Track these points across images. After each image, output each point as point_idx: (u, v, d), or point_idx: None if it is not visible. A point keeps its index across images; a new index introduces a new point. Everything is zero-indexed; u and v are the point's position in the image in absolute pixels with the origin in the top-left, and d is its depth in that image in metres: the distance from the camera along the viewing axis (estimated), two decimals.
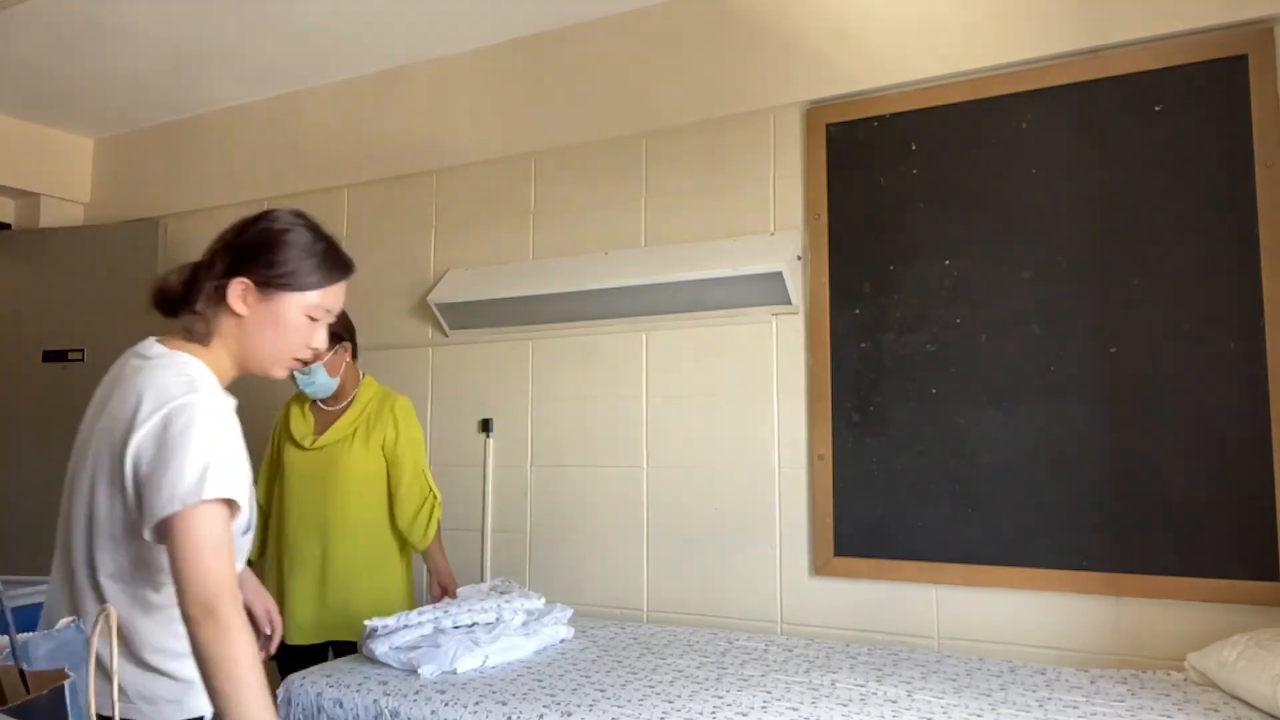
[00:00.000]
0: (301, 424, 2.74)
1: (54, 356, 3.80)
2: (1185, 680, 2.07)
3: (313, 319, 1.45)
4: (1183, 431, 2.23)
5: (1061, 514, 2.34)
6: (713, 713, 1.85)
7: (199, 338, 1.46)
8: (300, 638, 2.60)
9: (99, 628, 0.81)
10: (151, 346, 1.49)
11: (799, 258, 2.69)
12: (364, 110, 3.50)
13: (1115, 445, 2.29)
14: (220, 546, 1.25)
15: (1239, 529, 2.16)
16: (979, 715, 1.83)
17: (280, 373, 1.48)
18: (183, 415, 1.30)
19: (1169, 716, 1.82)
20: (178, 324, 1.50)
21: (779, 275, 2.61)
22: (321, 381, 2.63)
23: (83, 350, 3.78)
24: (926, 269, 2.54)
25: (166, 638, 1.37)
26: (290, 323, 1.43)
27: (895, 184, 2.60)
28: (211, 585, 1.21)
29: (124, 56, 3.35)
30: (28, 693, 0.74)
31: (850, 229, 2.65)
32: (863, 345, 2.60)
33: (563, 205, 3.10)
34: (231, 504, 1.29)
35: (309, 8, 3.00)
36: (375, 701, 2.04)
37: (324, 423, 2.72)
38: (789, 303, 2.66)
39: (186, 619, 1.20)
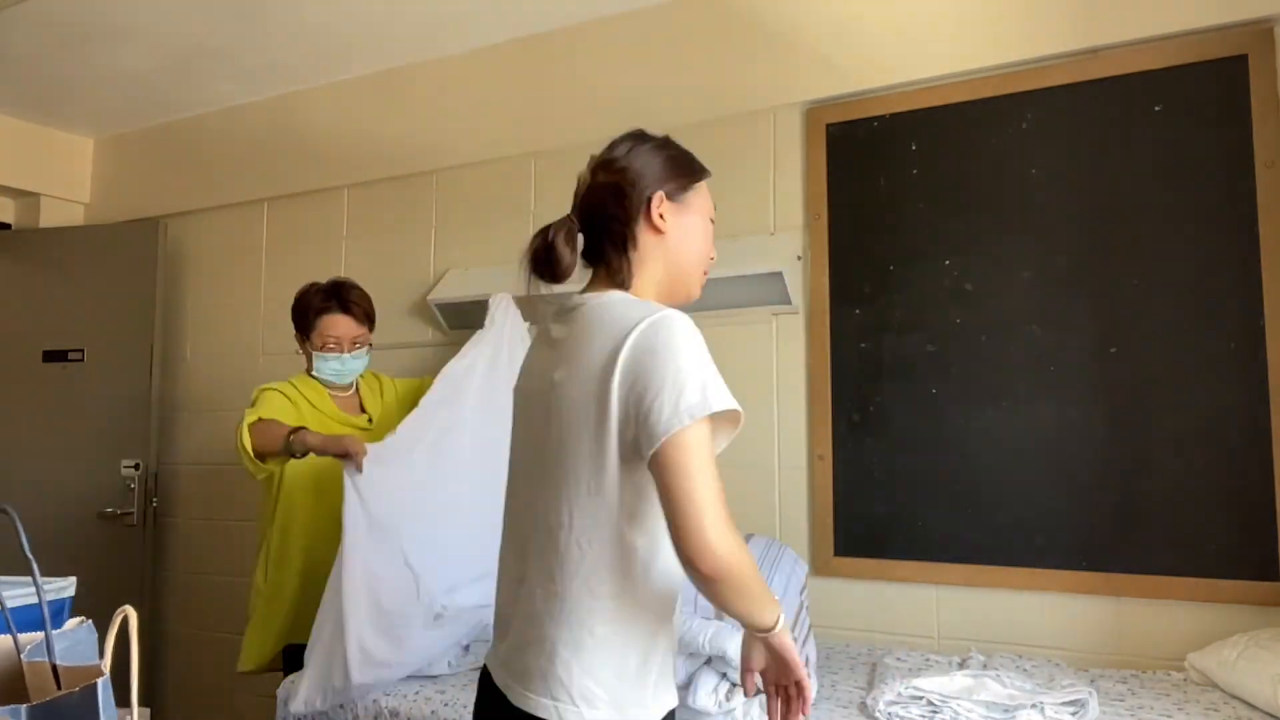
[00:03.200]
0: (333, 407, 2.64)
1: (54, 356, 3.80)
2: (1185, 680, 2.07)
3: (711, 220, 1.49)
4: (1183, 431, 2.23)
5: (1061, 514, 2.34)
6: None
7: (618, 283, 1.40)
8: None
9: (115, 629, 0.81)
10: (573, 298, 1.41)
11: (799, 258, 2.69)
12: (364, 110, 3.50)
13: (1115, 445, 2.29)
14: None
15: (1239, 529, 2.16)
16: None
17: (698, 290, 1.46)
18: (663, 329, 1.27)
19: (1169, 716, 1.82)
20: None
21: (779, 275, 2.61)
22: (357, 365, 2.65)
23: (83, 350, 3.78)
24: (926, 269, 2.54)
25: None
26: (704, 225, 1.46)
27: (895, 184, 2.60)
28: (722, 506, 1.17)
29: (124, 56, 3.35)
30: (59, 689, 0.74)
31: (850, 229, 2.65)
32: (863, 345, 2.60)
33: (563, 205, 3.07)
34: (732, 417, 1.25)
35: (309, 8, 3.00)
36: (375, 701, 2.04)
37: (350, 405, 2.71)
38: (789, 303, 2.66)
39: (701, 548, 1.14)
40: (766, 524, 2.67)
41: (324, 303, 2.62)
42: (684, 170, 1.48)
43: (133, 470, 3.67)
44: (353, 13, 3.03)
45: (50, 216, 4.08)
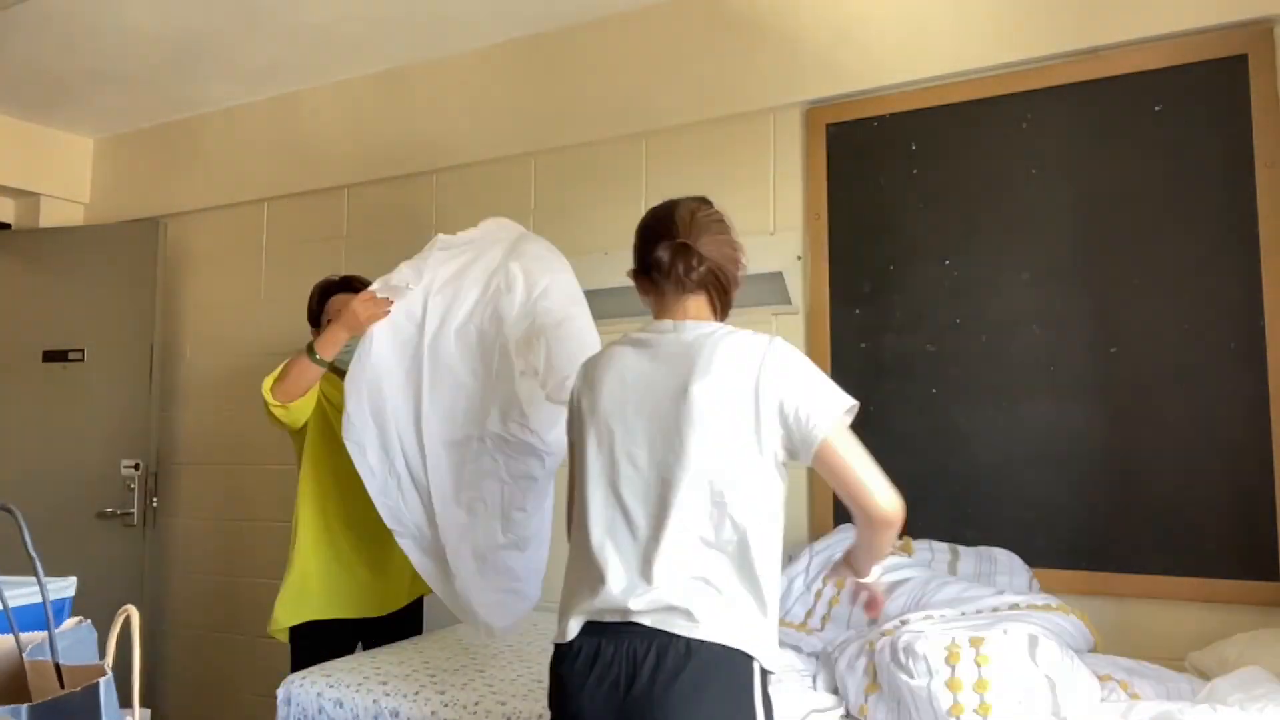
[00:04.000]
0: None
1: (54, 356, 3.80)
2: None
3: None
4: (1183, 431, 2.23)
5: (1061, 514, 2.34)
6: None
7: (718, 314, 1.73)
8: (395, 604, 2.60)
9: (118, 628, 0.81)
10: (693, 326, 1.66)
11: (799, 258, 2.69)
12: (364, 110, 3.50)
13: (1115, 445, 2.29)
14: None
15: (1239, 529, 2.16)
16: None
17: None
18: (791, 351, 1.61)
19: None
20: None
21: (779, 275, 2.61)
22: None
23: (83, 350, 3.78)
24: (926, 269, 2.54)
25: None
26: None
27: (895, 184, 2.60)
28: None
29: (124, 56, 3.35)
30: (62, 688, 0.74)
31: (850, 229, 2.65)
32: (863, 345, 2.60)
33: (563, 205, 3.10)
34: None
35: (309, 8, 3.00)
36: (375, 701, 2.04)
37: None
38: (789, 303, 2.66)
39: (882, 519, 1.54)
40: None
41: (335, 288, 2.69)
42: None
43: (133, 470, 3.67)
44: (353, 13, 3.03)
45: (50, 216, 4.08)
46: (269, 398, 2.37)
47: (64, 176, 4.11)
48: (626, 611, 1.44)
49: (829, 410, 1.53)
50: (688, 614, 1.42)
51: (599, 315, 2.96)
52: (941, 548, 2.31)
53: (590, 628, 1.49)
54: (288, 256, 3.67)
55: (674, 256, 1.63)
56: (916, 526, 2.48)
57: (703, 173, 2.86)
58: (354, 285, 2.66)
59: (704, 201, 1.74)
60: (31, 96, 3.70)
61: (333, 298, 2.66)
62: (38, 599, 0.75)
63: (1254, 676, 1.66)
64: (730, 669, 1.43)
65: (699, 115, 2.87)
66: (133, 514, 3.65)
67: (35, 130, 4.00)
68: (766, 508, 1.51)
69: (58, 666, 0.75)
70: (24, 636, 0.78)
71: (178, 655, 3.77)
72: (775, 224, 2.74)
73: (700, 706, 1.39)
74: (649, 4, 2.95)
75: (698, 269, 1.62)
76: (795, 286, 2.65)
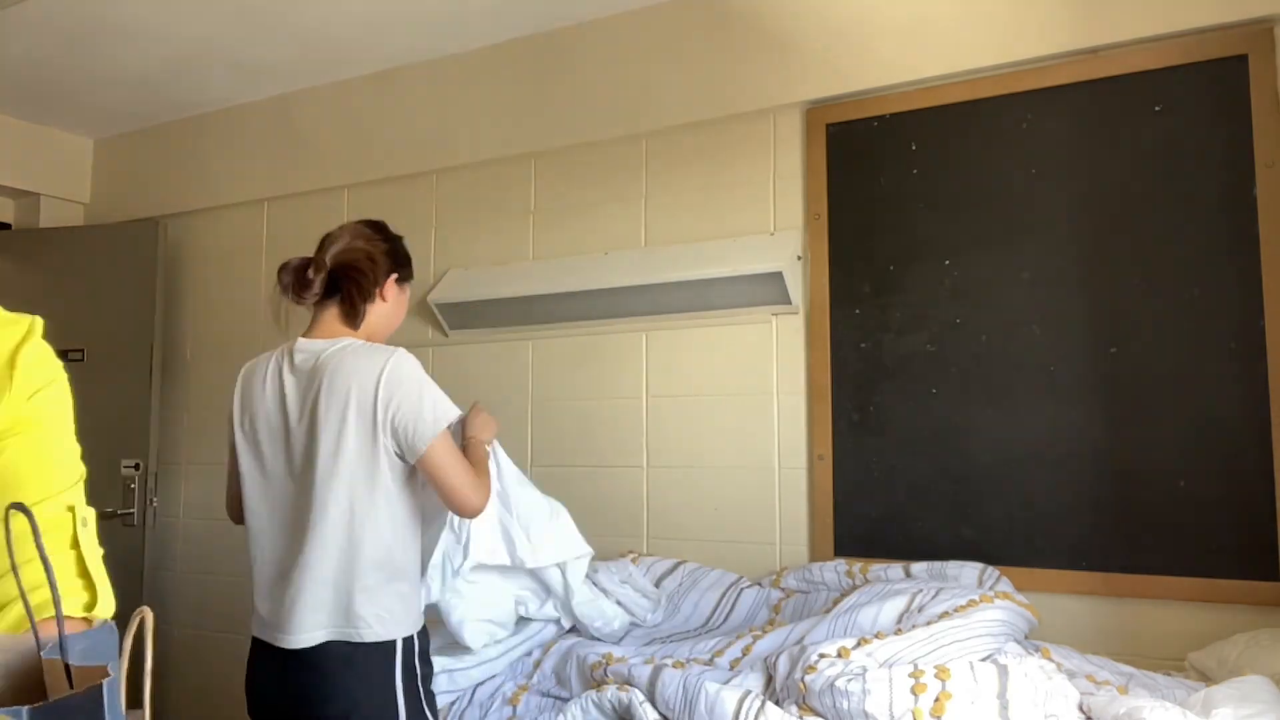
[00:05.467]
0: None
1: None
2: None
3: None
4: (1183, 431, 2.23)
5: (1061, 514, 2.34)
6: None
7: (350, 323, 1.88)
8: None
9: (133, 629, 0.81)
10: (316, 343, 1.87)
11: (799, 258, 2.69)
12: (364, 110, 3.50)
13: (1115, 445, 2.29)
14: None
15: (1239, 529, 2.16)
16: None
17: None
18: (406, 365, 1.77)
19: None
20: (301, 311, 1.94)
21: (779, 275, 2.61)
22: None
23: (82, 350, 3.78)
24: (926, 269, 2.54)
25: None
26: (405, 304, 2.01)
27: (895, 184, 2.60)
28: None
29: (124, 56, 3.34)
30: (71, 689, 0.73)
31: (850, 229, 2.65)
32: (863, 345, 2.60)
33: (563, 205, 3.10)
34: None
35: (309, 8, 2.99)
36: None
37: None
38: (789, 303, 2.66)
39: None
40: (766, 524, 2.67)
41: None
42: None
43: (133, 470, 3.67)
44: (352, 13, 3.03)
45: (50, 216, 4.08)
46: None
47: (64, 176, 4.11)
48: None
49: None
50: None
51: (599, 315, 2.97)
52: (896, 569, 2.31)
53: None
54: (287, 256, 3.65)
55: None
56: (917, 527, 2.49)
57: (703, 172, 2.86)
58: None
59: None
60: (31, 96, 3.70)
61: None
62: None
63: (1253, 688, 1.62)
64: None
65: (699, 115, 2.87)
66: (133, 514, 3.65)
67: (35, 130, 3.99)
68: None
69: (67, 667, 0.75)
70: (43, 636, 0.78)
71: (178, 655, 3.77)
72: (775, 224, 2.74)
73: None
74: (649, 4, 2.95)
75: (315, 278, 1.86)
76: (795, 286, 2.65)
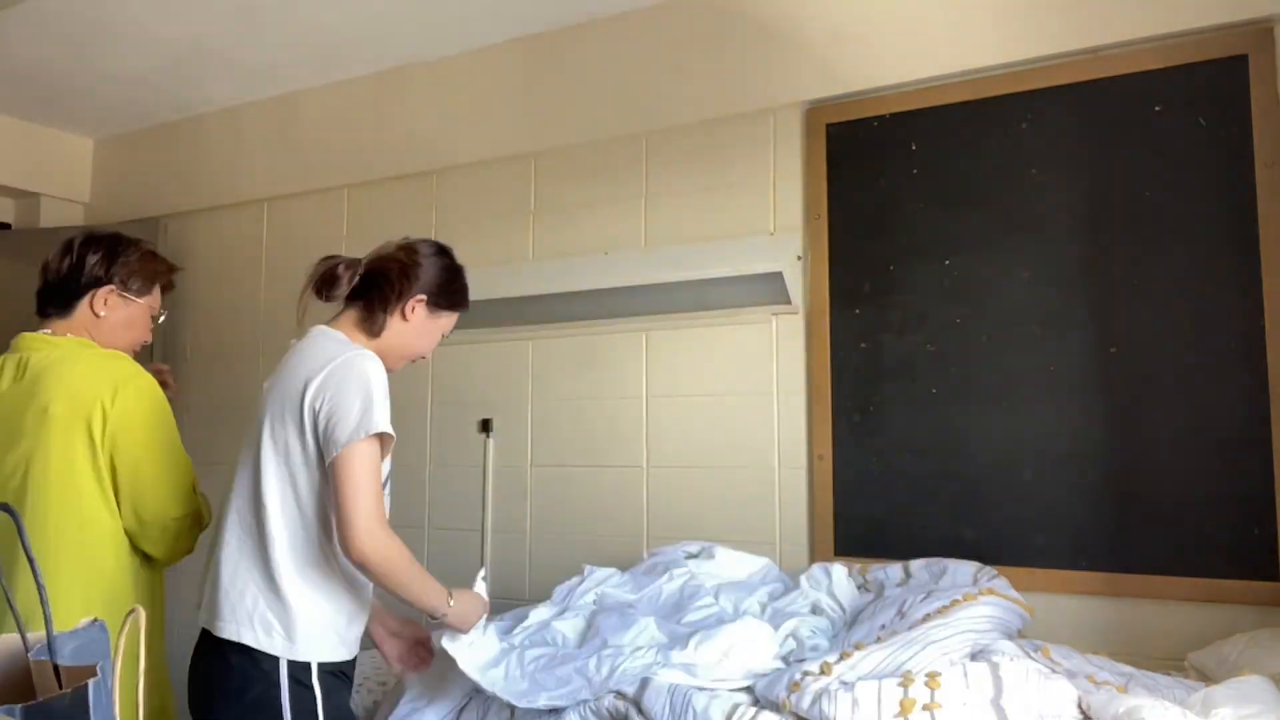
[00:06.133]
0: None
1: None
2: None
3: (444, 334, 1.97)
4: (1183, 431, 2.23)
5: (1061, 514, 2.34)
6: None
7: (366, 329, 1.78)
8: None
9: (126, 628, 0.81)
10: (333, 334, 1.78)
11: (799, 258, 2.69)
12: (364, 110, 3.50)
13: (1115, 445, 2.29)
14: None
15: (1239, 529, 2.16)
16: None
17: (396, 368, 1.85)
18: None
19: None
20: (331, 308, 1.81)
21: (779, 275, 2.61)
22: None
23: None
24: (926, 269, 2.54)
25: None
26: (435, 333, 1.93)
27: (895, 184, 2.60)
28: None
29: (124, 56, 3.34)
30: (60, 688, 0.74)
31: (850, 229, 2.65)
32: (863, 345, 2.60)
33: (563, 205, 3.10)
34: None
35: (309, 8, 2.99)
36: (376, 703, 2.04)
37: None
38: (789, 303, 2.66)
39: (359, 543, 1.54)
40: (767, 524, 2.67)
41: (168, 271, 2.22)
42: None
43: None
44: (352, 13, 3.03)
45: (50, 216, 4.08)
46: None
47: (64, 176, 4.11)
48: None
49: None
50: None
51: (599, 315, 2.97)
52: (895, 569, 2.28)
53: None
54: (288, 256, 3.67)
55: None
56: (917, 527, 2.49)
57: (703, 172, 2.86)
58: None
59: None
60: (31, 96, 3.70)
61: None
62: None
63: (1253, 688, 1.61)
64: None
65: (699, 115, 2.87)
66: None
67: (35, 130, 4.00)
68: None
69: (56, 667, 0.75)
70: (31, 636, 0.78)
71: (177, 655, 3.76)
72: (775, 224, 2.74)
73: None
74: (649, 4, 2.95)
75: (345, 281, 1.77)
76: (795, 286, 2.65)
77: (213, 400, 3.79)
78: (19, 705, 0.68)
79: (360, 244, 3.48)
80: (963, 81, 2.53)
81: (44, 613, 0.77)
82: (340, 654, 1.66)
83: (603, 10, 3.00)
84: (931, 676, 1.57)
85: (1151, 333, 2.28)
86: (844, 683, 1.59)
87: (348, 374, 1.61)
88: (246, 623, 1.59)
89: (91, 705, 0.71)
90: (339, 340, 1.71)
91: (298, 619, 1.59)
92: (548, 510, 3.03)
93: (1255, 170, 2.20)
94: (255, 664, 1.58)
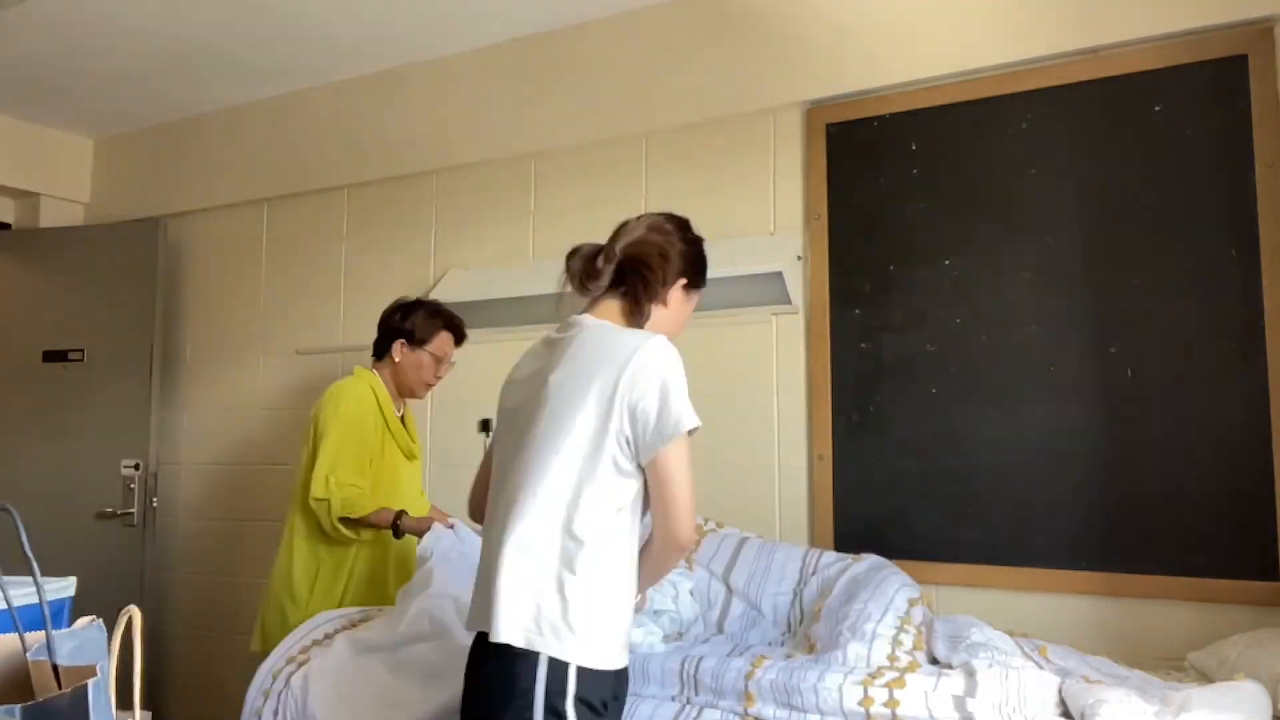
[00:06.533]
0: (399, 425, 2.68)
1: (54, 356, 3.80)
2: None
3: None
4: (1183, 431, 2.23)
5: (1061, 514, 2.34)
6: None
7: (632, 322, 1.67)
8: None
9: (121, 628, 0.81)
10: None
11: (799, 258, 2.68)
12: (364, 110, 3.50)
13: (1115, 445, 2.29)
14: None
15: (1239, 529, 2.16)
16: None
17: None
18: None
19: None
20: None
21: (779, 275, 2.61)
22: None
23: (82, 350, 3.78)
24: (926, 269, 2.54)
25: None
26: (687, 317, 1.79)
27: (895, 184, 2.60)
28: None
29: (124, 56, 3.34)
30: (60, 689, 0.74)
31: (850, 229, 2.65)
32: (863, 345, 2.60)
33: (563, 205, 3.10)
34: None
35: (309, 8, 2.99)
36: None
37: (396, 421, 2.71)
38: (789, 303, 2.66)
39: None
40: (767, 524, 2.67)
41: (448, 323, 2.70)
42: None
43: (133, 470, 3.67)
44: (353, 13, 3.03)
45: (50, 216, 4.08)
46: (340, 528, 2.48)
47: (64, 176, 4.11)
48: None
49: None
50: None
51: None
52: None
53: None
54: (288, 256, 3.67)
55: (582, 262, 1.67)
56: (917, 527, 2.49)
57: (703, 172, 2.86)
58: (463, 328, 2.75)
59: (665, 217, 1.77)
60: (31, 96, 3.70)
61: (448, 336, 2.70)
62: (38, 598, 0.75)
63: (1240, 696, 1.60)
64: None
65: (699, 115, 2.87)
66: (133, 514, 3.65)
67: (35, 130, 4.00)
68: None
69: (55, 667, 0.75)
70: (30, 636, 0.79)
71: (178, 655, 3.77)
72: (775, 224, 2.74)
73: None
74: (649, 4, 2.95)
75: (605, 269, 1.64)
76: (795, 286, 2.65)
77: (213, 400, 3.80)
78: (18, 705, 0.68)
79: (360, 244, 3.50)
80: (963, 81, 2.53)
81: (43, 613, 0.77)
82: (624, 659, 1.53)
83: (603, 10, 3.00)
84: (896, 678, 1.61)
85: (1151, 332, 2.28)
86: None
87: (659, 368, 1.54)
88: (534, 626, 1.42)
89: (91, 704, 0.71)
90: (632, 332, 1.59)
91: (593, 620, 1.44)
92: None
93: (1255, 170, 2.20)
94: (536, 667, 1.41)
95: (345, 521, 2.48)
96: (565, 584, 1.43)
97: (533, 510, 1.47)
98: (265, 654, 2.49)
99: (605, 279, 1.63)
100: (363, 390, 2.60)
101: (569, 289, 1.66)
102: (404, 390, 2.70)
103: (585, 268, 1.64)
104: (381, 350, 2.69)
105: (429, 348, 2.65)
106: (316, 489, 2.46)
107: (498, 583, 1.45)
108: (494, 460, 1.63)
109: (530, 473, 1.50)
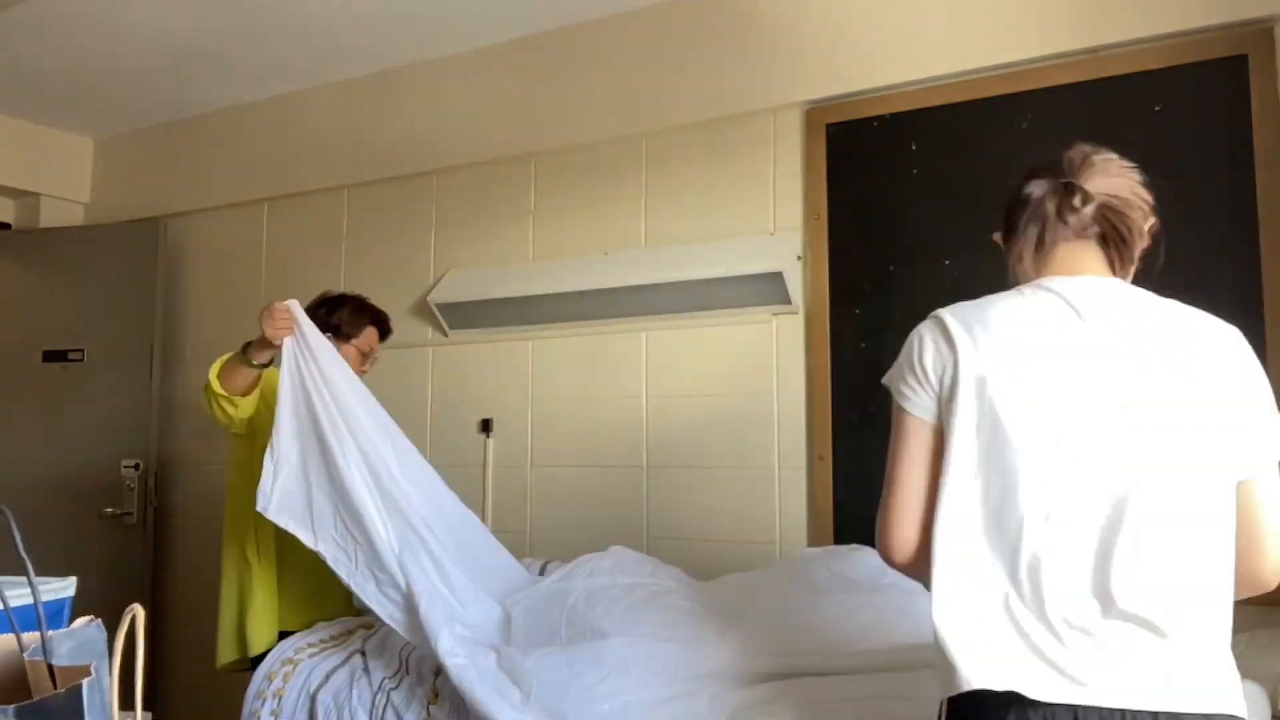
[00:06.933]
0: None
1: (54, 356, 3.80)
2: None
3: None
4: None
5: None
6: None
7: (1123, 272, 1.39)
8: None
9: (124, 627, 0.81)
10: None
11: (799, 258, 2.68)
12: (364, 110, 3.50)
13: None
14: None
15: None
16: None
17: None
18: None
19: None
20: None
21: (779, 275, 2.61)
22: None
23: (83, 350, 3.78)
24: (926, 269, 2.53)
25: None
26: None
27: (895, 184, 2.60)
28: None
29: (124, 56, 3.34)
30: (55, 688, 0.74)
31: (850, 229, 2.65)
32: (863, 345, 2.60)
33: (563, 205, 3.10)
34: None
35: (309, 8, 2.99)
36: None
37: None
38: (789, 303, 2.66)
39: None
40: (766, 524, 2.67)
41: (373, 318, 2.67)
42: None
43: (133, 470, 3.67)
44: (353, 13, 3.03)
45: (50, 216, 4.08)
46: (218, 388, 2.29)
47: (64, 176, 4.11)
48: None
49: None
50: None
51: (599, 315, 2.97)
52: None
53: None
54: (288, 256, 3.67)
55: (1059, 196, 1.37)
56: None
57: (703, 172, 2.86)
58: (389, 325, 2.72)
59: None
60: (31, 96, 3.70)
61: (373, 332, 2.66)
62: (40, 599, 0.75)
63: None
64: None
65: (699, 115, 2.87)
66: (133, 514, 3.65)
67: (35, 130, 3.99)
68: None
69: (50, 667, 0.75)
70: (27, 636, 0.79)
71: (178, 655, 3.77)
72: (775, 224, 2.74)
73: None
74: (649, 4, 2.95)
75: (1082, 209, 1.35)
76: (795, 286, 2.65)
77: None
78: (12, 705, 0.68)
79: (360, 244, 3.50)
80: (963, 81, 2.53)
81: (37, 612, 0.77)
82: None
83: (603, 10, 3.00)
84: None
85: None
86: None
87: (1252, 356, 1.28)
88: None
89: (86, 705, 0.71)
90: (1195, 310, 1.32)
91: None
92: (547, 510, 3.03)
93: (1255, 170, 2.20)
94: None
95: (229, 388, 2.31)
96: None
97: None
98: (235, 661, 2.51)
99: (1089, 219, 1.39)
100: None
101: (1041, 222, 1.41)
102: None
103: (1064, 200, 1.41)
104: None
105: (355, 342, 2.62)
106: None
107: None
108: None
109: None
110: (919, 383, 1.24)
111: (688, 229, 2.87)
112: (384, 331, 2.72)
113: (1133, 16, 2.33)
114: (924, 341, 1.28)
